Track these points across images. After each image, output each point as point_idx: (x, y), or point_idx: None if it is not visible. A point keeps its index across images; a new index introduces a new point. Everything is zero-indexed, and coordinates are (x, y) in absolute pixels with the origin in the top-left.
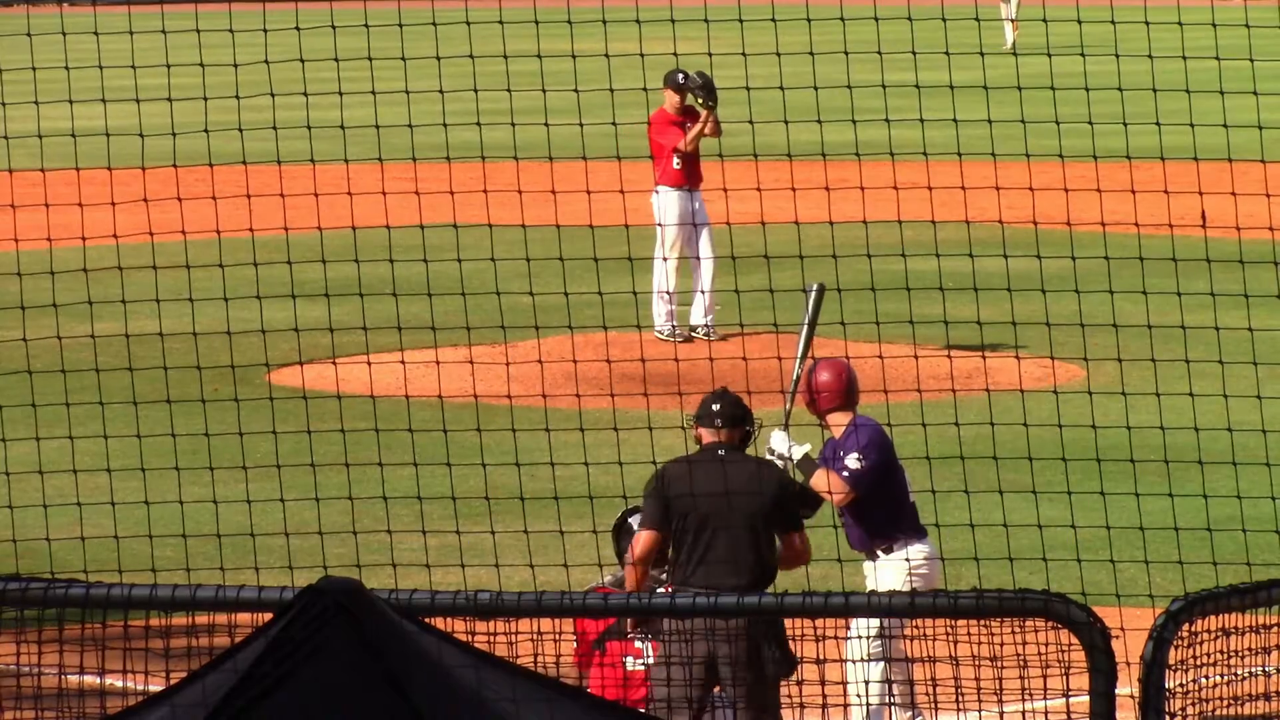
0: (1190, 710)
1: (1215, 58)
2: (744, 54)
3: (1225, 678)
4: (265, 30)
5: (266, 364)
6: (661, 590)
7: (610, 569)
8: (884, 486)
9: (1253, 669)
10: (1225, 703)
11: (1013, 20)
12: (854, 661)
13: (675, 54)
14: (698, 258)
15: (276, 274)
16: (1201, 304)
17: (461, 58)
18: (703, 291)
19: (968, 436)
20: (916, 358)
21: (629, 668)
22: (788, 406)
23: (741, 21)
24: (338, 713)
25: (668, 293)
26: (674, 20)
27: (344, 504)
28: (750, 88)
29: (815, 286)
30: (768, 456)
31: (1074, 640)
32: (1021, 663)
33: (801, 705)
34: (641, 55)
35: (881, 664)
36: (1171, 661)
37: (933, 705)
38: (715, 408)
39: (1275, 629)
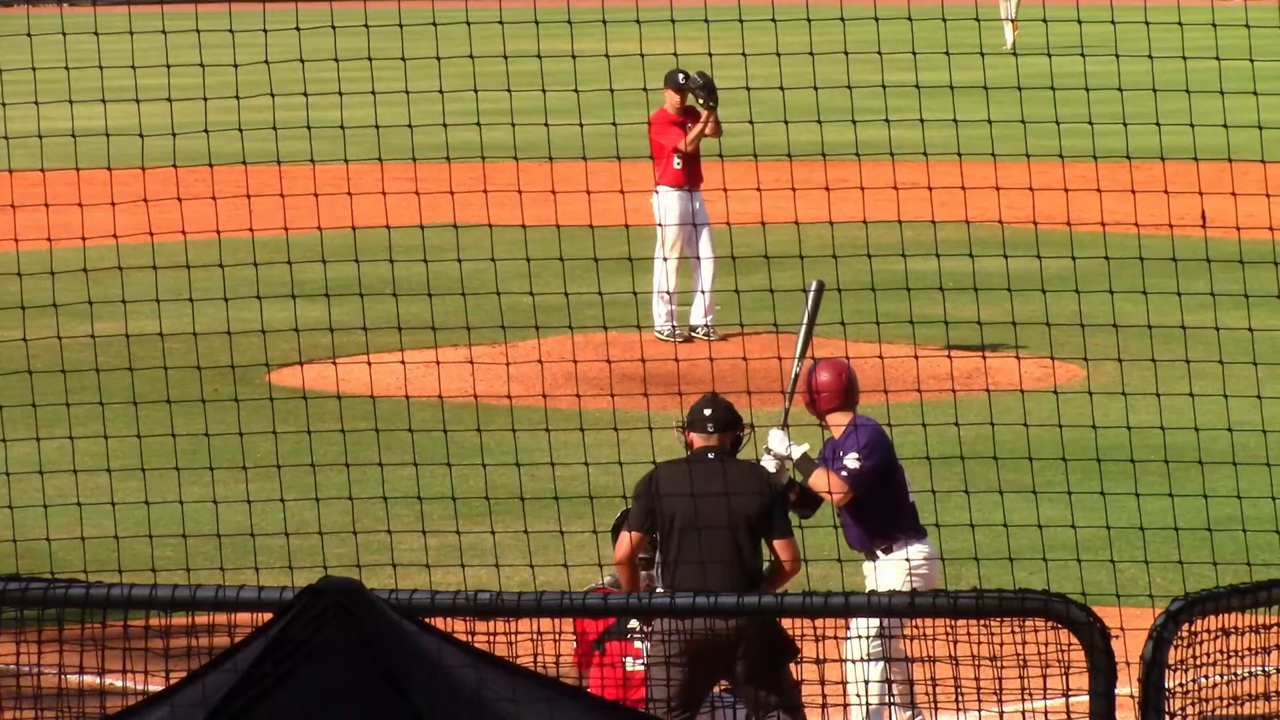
0: (1190, 710)
1: (1215, 58)
2: (744, 54)
3: (1225, 678)
4: (265, 30)
5: (266, 364)
6: (661, 590)
7: (610, 569)
8: (884, 486)
9: (1252, 669)
10: (1225, 703)
11: (1013, 20)
12: (854, 661)
13: (675, 54)
14: (698, 258)
15: (276, 274)
16: (1202, 304)
17: (461, 58)
18: (703, 291)
19: (968, 436)
20: (916, 358)
21: (629, 668)
22: (786, 405)
23: (741, 21)
24: (338, 713)
25: (668, 293)
26: (674, 20)
27: (344, 504)
28: (750, 88)
29: (814, 284)
30: (766, 456)
31: (1074, 640)
32: (1021, 663)
33: (801, 705)
34: (641, 55)
35: (881, 664)
36: (1171, 661)
37: (933, 705)
38: (707, 412)
39: (1275, 629)
